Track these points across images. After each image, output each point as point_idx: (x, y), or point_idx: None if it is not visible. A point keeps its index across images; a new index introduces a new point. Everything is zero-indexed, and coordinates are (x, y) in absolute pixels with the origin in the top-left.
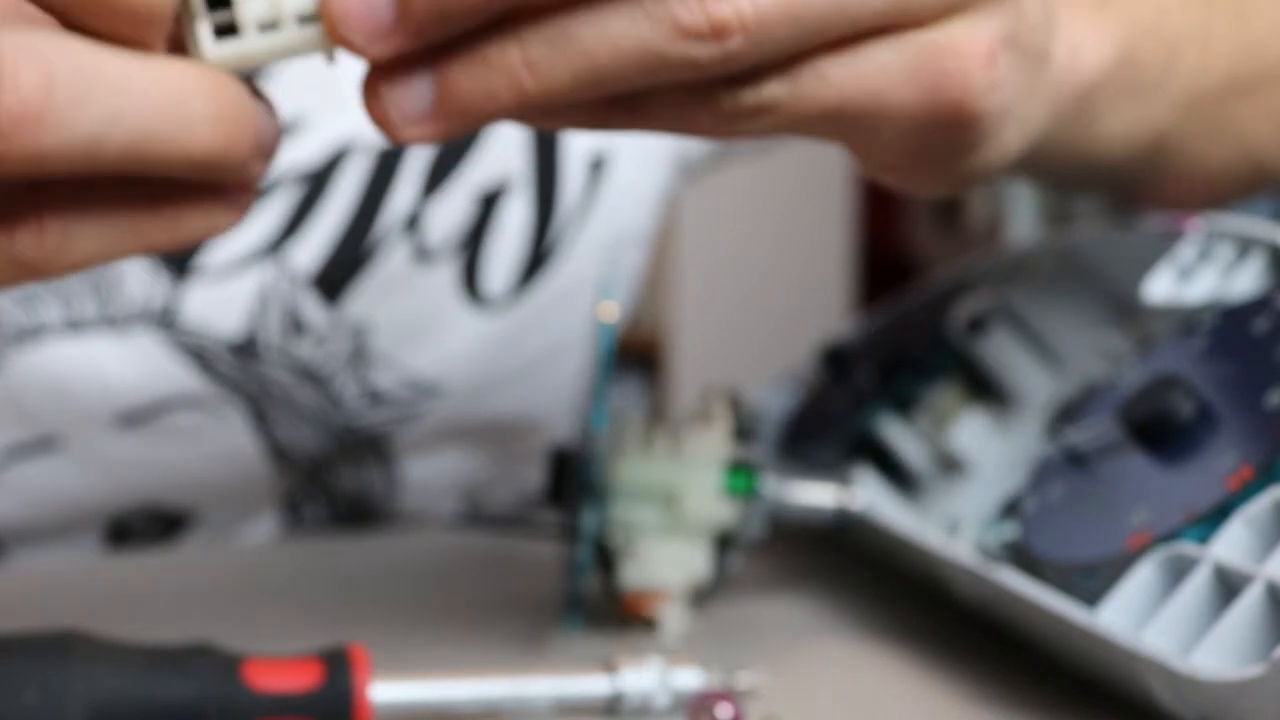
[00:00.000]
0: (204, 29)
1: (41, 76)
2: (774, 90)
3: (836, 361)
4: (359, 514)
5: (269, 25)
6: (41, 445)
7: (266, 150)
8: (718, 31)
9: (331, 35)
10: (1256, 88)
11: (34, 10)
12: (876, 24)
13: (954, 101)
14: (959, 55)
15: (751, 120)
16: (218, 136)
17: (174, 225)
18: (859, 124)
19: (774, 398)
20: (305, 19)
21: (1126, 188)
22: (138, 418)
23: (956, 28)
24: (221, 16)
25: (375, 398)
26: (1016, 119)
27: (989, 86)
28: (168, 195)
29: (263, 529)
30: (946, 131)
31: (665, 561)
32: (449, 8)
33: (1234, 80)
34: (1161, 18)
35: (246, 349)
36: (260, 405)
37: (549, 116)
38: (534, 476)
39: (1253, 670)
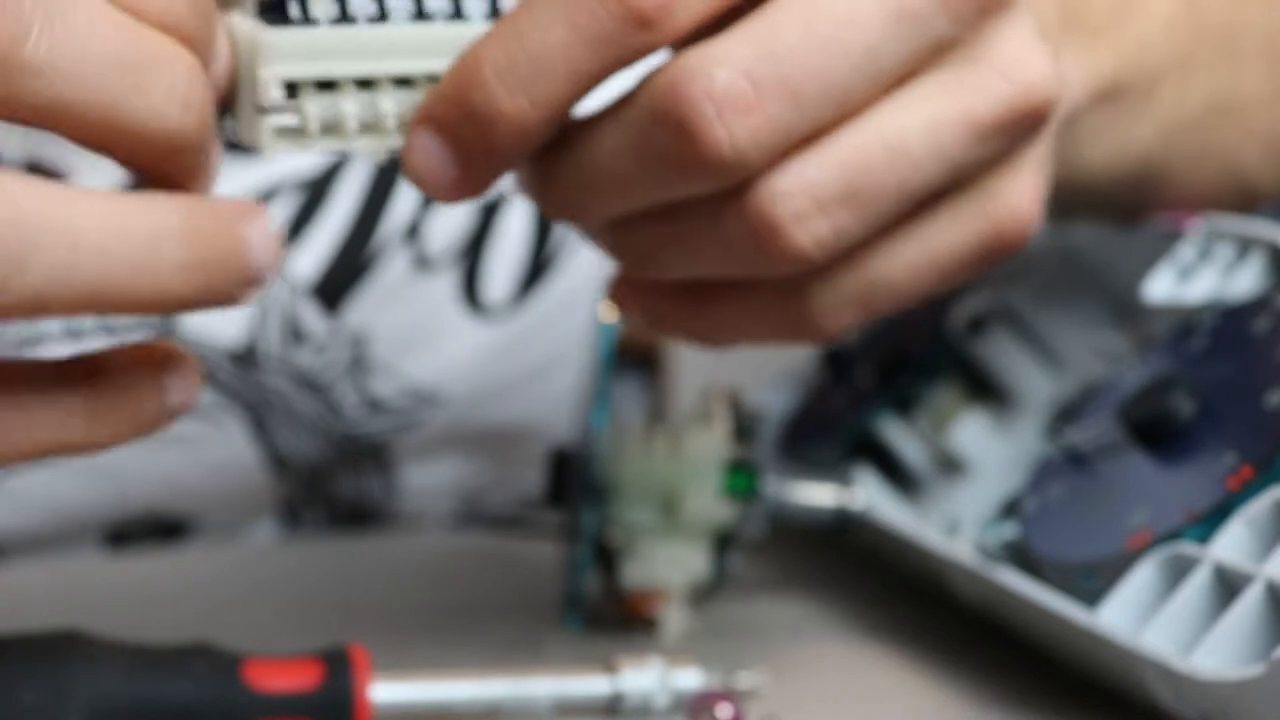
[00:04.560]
0: (266, 124)
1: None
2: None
3: (836, 361)
4: (357, 520)
5: (330, 129)
6: None
7: (256, 281)
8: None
9: (411, 181)
10: (1240, 111)
11: None
12: (931, 192)
13: (1011, 248)
14: (1013, 214)
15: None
16: (191, 284)
17: (97, 428)
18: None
19: (774, 398)
20: (366, 128)
21: (1116, 211)
22: None
23: (1009, 179)
24: (286, 119)
25: (375, 406)
26: None
27: (1037, 229)
28: (95, 394)
29: (261, 536)
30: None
31: (665, 561)
32: (502, 163)
33: (1216, 106)
34: (1144, 50)
35: (246, 358)
36: (259, 414)
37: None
38: (533, 481)
39: (1253, 670)
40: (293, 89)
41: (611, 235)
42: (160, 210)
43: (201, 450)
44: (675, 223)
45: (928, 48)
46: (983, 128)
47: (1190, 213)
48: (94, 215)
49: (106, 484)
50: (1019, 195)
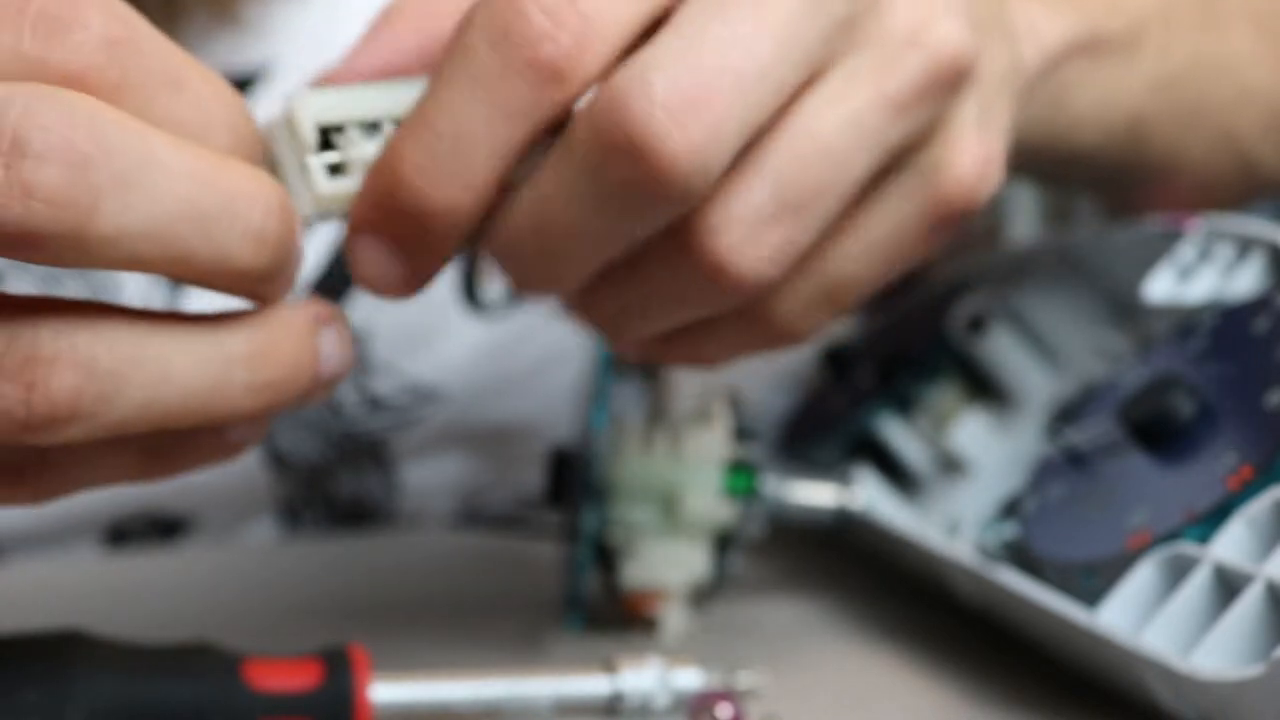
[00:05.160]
0: (317, 164)
1: (75, 379)
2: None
3: (836, 361)
4: (357, 519)
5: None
6: None
7: (329, 385)
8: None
9: (363, 288)
10: (1231, 70)
11: None
12: (868, 179)
13: (963, 214)
14: (957, 180)
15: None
16: (261, 401)
17: (169, 468)
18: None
19: (774, 398)
20: None
21: (1113, 181)
22: None
23: (942, 145)
24: (329, 157)
25: (375, 404)
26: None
27: (988, 191)
28: (161, 448)
29: (261, 535)
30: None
31: (665, 561)
32: (448, 249)
33: (1203, 61)
34: (1126, 2)
35: None
36: None
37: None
38: (532, 480)
39: (1253, 670)
40: (328, 138)
41: (583, 308)
42: (230, 340)
43: None
44: (640, 284)
45: (835, 29)
46: (901, 102)
47: (1189, 193)
48: (181, 352)
49: None
50: (959, 160)
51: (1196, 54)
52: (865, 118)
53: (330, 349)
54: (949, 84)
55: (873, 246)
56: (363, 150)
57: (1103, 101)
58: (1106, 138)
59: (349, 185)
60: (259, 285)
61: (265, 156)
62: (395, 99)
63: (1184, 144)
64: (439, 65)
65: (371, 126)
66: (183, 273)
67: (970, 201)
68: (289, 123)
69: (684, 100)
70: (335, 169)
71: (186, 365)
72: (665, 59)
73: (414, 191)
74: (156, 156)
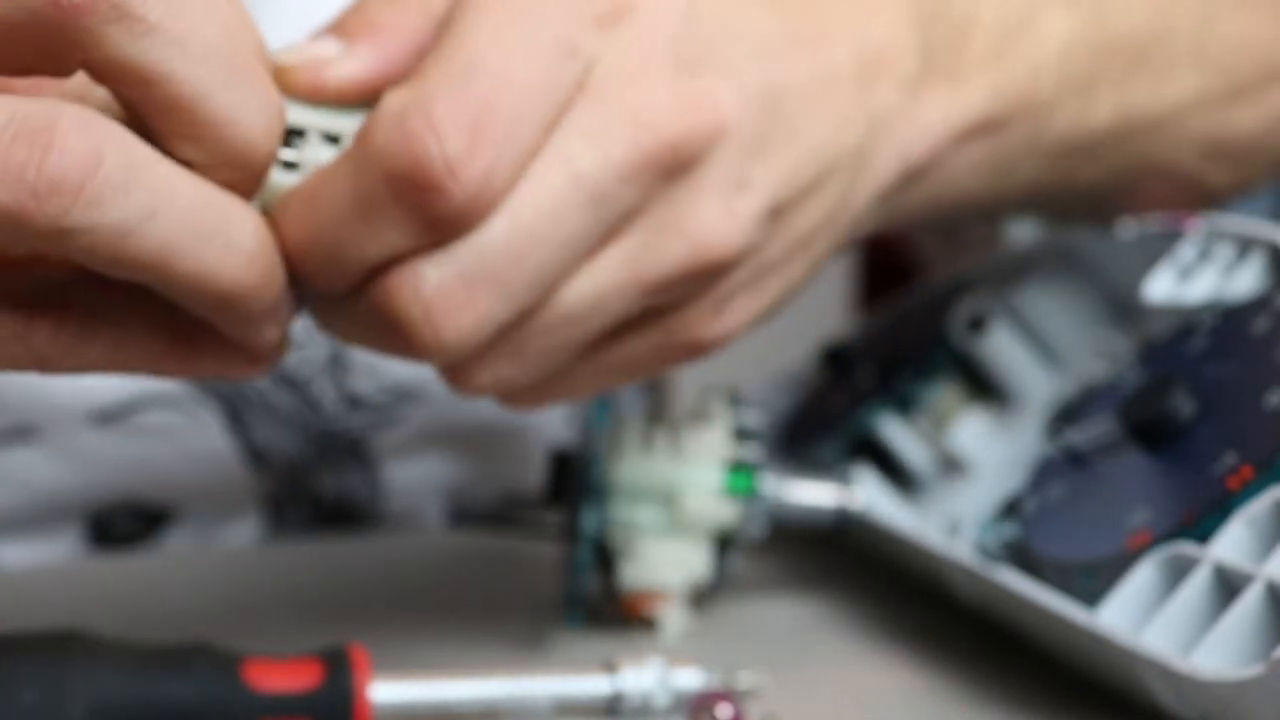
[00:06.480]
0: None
1: (89, 152)
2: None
3: (836, 361)
4: (343, 518)
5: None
6: (19, 435)
7: (284, 318)
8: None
9: None
10: (1167, 120)
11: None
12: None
13: (693, 360)
14: (695, 340)
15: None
16: (249, 273)
17: (187, 361)
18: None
19: (774, 398)
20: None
21: (1043, 216)
22: (112, 415)
23: (686, 313)
24: (286, 154)
25: (354, 403)
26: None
27: (721, 341)
28: (187, 333)
29: (246, 531)
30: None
31: (665, 561)
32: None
33: (1131, 119)
34: (1033, 78)
35: None
36: (235, 407)
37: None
38: (519, 477)
39: (1253, 670)
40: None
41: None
42: (237, 204)
43: (177, 441)
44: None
45: (617, 220)
46: (651, 286)
47: (1153, 198)
48: (186, 180)
49: (84, 470)
50: (699, 326)
51: (1121, 114)
52: (612, 294)
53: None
54: (707, 274)
55: (600, 371)
56: (317, 154)
57: (996, 178)
58: (1002, 205)
59: (296, 181)
60: (241, 304)
61: None
62: (362, 122)
63: (1122, 190)
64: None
65: (332, 139)
66: (172, 275)
67: (704, 353)
68: None
69: (448, 302)
70: (289, 166)
71: (190, 194)
72: (444, 256)
73: (290, 256)
74: (166, 168)
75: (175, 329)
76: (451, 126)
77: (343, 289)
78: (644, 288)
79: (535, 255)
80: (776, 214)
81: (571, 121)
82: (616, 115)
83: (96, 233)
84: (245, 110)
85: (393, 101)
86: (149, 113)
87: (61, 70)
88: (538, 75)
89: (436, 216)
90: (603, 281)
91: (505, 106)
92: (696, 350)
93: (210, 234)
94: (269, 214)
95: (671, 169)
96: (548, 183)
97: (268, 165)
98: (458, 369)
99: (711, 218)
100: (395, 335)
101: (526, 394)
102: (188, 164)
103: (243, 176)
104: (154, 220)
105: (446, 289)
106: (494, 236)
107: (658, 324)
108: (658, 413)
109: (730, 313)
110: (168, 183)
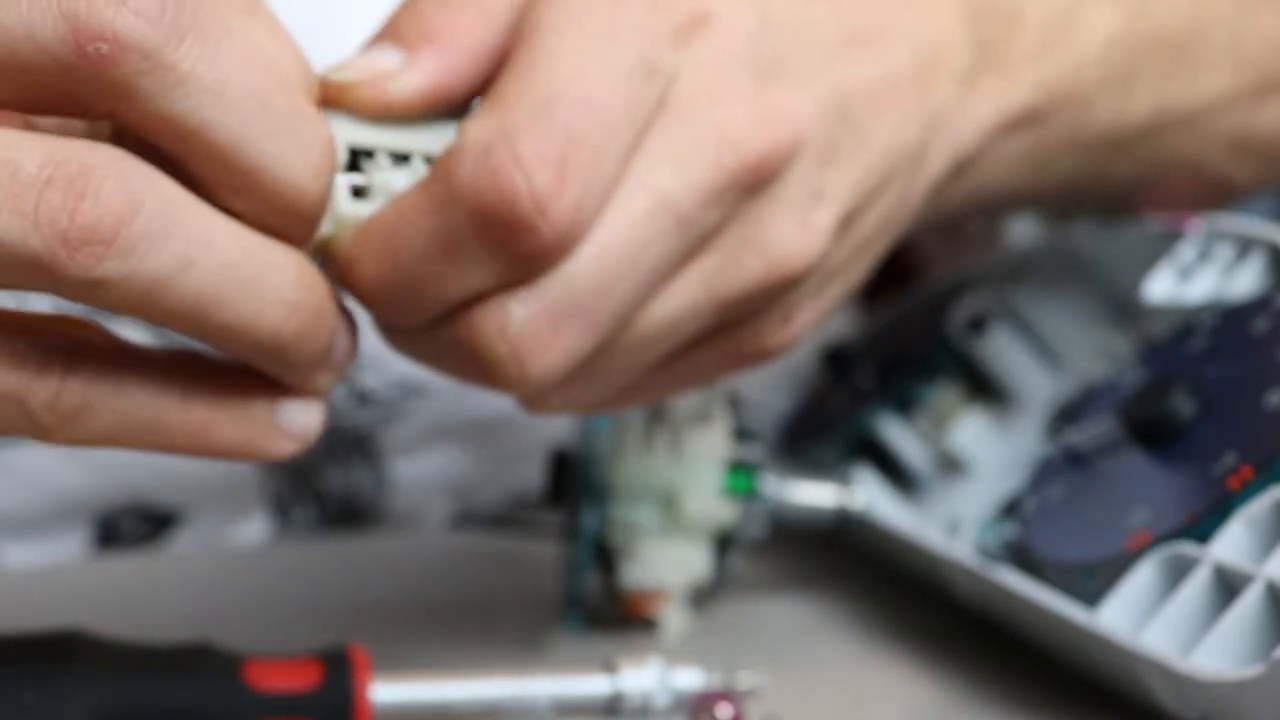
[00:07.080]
0: (342, 183)
1: (125, 201)
2: None
3: (836, 361)
4: (350, 516)
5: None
6: None
7: (336, 364)
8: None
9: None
10: (1200, 116)
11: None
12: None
13: (760, 366)
14: (763, 348)
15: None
16: (289, 323)
17: (201, 432)
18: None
19: (774, 398)
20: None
21: (1072, 212)
22: None
23: (757, 322)
24: (355, 178)
25: (363, 398)
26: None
27: (790, 347)
28: (201, 395)
29: (253, 530)
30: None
31: (665, 561)
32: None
33: (1164, 115)
34: (1077, 72)
35: None
36: None
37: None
38: (526, 476)
39: (1253, 670)
40: (357, 160)
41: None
42: (278, 250)
43: None
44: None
45: (699, 241)
46: (728, 304)
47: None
48: (224, 230)
49: (93, 469)
50: (767, 335)
51: (1157, 109)
52: (689, 312)
53: (342, 326)
54: (780, 289)
55: (669, 377)
56: (388, 179)
57: (1034, 171)
58: (1039, 198)
59: (369, 210)
60: (282, 355)
61: None
62: (429, 137)
63: (1149, 184)
64: (416, 194)
65: (401, 158)
66: (207, 326)
67: (771, 360)
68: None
69: (533, 340)
70: (359, 192)
71: (229, 244)
72: (532, 294)
73: (364, 294)
74: (205, 217)
75: (190, 408)
76: (539, 162)
77: (421, 323)
78: (720, 306)
79: (621, 286)
80: (847, 222)
81: (653, 143)
82: (698, 135)
83: (130, 284)
84: (289, 155)
85: (475, 134)
86: (189, 161)
87: (91, 116)
88: (620, 100)
89: (525, 254)
90: (681, 303)
91: (590, 136)
92: (764, 357)
93: (249, 284)
94: (339, 247)
95: (752, 186)
96: (632, 210)
97: (319, 209)
98: (536, 397)
99: (788, 232)
100: (477, 369)
101: (594, 407)
102: (233, 213)
103: (293, 222)
104: (190, 271)
105: (533, 327)
106: (580, 270)
107: (728, 335)
108: (658, 413)
109: (797, 320)
110: (206, 232)
